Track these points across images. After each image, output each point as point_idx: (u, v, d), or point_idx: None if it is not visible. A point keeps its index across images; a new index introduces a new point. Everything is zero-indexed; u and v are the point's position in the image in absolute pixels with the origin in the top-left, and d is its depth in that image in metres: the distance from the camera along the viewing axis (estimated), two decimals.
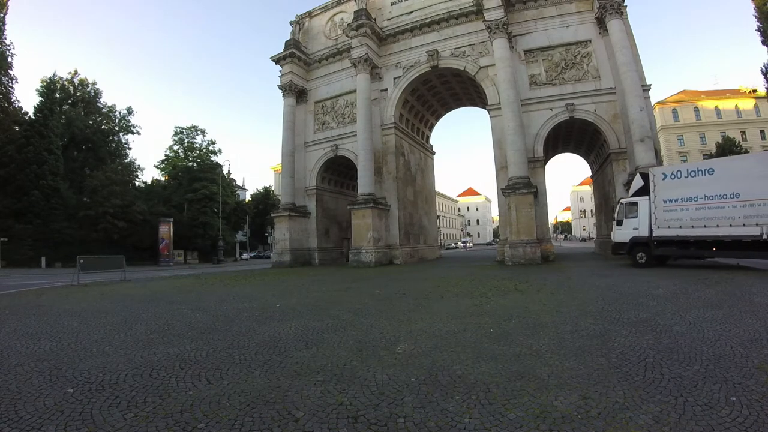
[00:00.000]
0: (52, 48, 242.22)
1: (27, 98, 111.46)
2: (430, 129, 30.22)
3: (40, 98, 35.62)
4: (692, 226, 12.03)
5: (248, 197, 63.53)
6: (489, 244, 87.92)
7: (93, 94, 43.04)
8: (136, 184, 42.61)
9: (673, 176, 12.66)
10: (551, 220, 76.98)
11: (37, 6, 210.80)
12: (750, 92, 41.37)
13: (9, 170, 30.40)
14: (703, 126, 52.86)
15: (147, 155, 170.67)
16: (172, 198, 40.54)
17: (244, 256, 48.65)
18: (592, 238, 49.76)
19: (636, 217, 13.55)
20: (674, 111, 54.06)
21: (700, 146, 51.20)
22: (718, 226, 11.49)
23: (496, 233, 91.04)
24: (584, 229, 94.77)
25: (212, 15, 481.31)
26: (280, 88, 26.17)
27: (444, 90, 26.30)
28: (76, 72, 42.38)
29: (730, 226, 11.24)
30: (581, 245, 52.75)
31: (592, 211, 55.18)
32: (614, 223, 14.58)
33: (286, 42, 26.15)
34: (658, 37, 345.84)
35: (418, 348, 4.47)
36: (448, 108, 29.69)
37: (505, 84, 18.97)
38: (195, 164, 44.60)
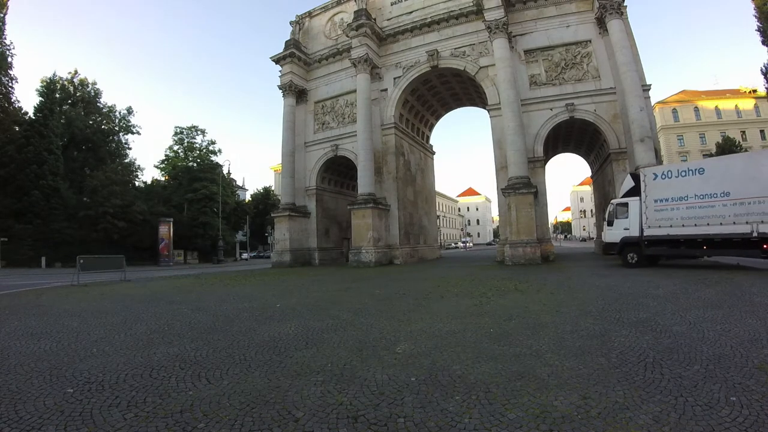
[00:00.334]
0: (52, 48, 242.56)
1: (27, 98, 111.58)
2: (430, 129, 30.22)
3: (40, 98, 35.59)
4: (683, 225, 12.17)
5: (248, 197, 63.51)
6: (489, 244, 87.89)
7: (93, 94, 43.06)
8: (136, 184, 42.62)
9: (663, 176, 12.79)
10: (551, 220, 77.02)
11: (37, 6, 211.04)
12: (750, 92, 41.33)
13: (9, 170, 30.39)
14: (703, 126, 52.85)
15: (147, 155, 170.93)
16: (172, 198, 40.54)
17: (244, 256, 48.64)
18: (592, 238, 49.76)
19: (627, 217, 13.69)
20: (674, 111, 54.05)
21: (700, 146, 51.18)
22: (708, 224, 11.64)
23: (496, 233, 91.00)
24: (584, 229, 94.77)
25: (212, 15, 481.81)
26: (280, 88, 26.17)
27: (444, 90, 26.30)
28: (76, 72, 42.46)
29: (721, 224, 11.39)
30: (581, 245, 52.75)
31: (592, 211, 55.14)
32: (605, 223, 14.70)
33: (286, 42, 26.15)
34: (658, 37, 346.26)
35: (418, 348, 4.47)
36: (448, 108, 29.69)
37: (505, 84, 18.97)
38: (195, 164, 44.61)
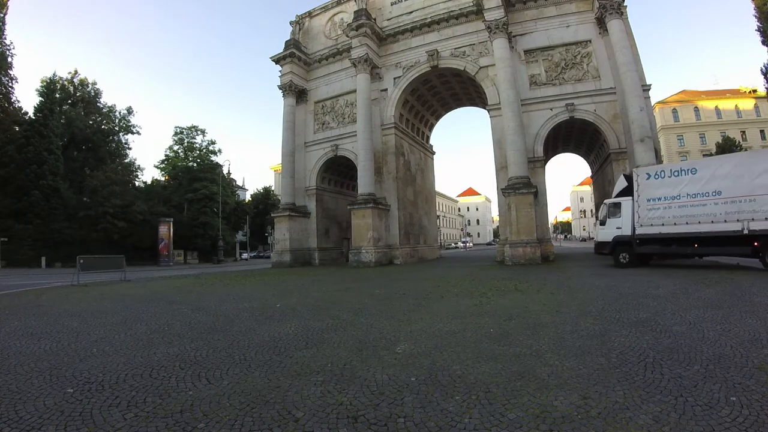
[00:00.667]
0: (52, 48, 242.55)
1: (27, 98, 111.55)
2: (430, 129, 30.22)
3: (40, 98, 35.60)
4: (675, 224, 12.32)
5: (248, 197, 63.51)
6: (489, 244, 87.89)
7: (93, 94, 43.08)
8: (136, 184, 42.66)
9: (656, 176, 12.95)
10: (551, 220, 76.95)
11: (37, 6, 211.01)
12: (750, 92, 41.33)
13: (9, 170, 30.40)
14: (703, 126, 52.85)
15: (147, 155, 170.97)
16: (172, 198, 40.53)
17: (244, 256, 48.65)
18: (592, 238, 49.62)
19: (619, 217, 13.82)
20: (674, 111, 54.07)
21: (700, 146, 51.20)
22: (699, 222, 11.79)
23: (496, 233, 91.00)
24: (584, 229, 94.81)
25: (212, 15, 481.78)
26: (280, 88, 26.17)
27: (444, 90, 26.30)
28: (76, 72, 42.50)
29: (712, 222, 11.56)
30: (581, 245, 52.75)
31: (592, 211, 55.16)
32: (598, 223, 14.76)
33: (286, 42, 26.15)
34: (658, 37, 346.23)
35: (418, 348, 4.46)
36: (448, 108, 29.69)
37: (505, 84, 18.96)
38: (195, 164, 44.62)
